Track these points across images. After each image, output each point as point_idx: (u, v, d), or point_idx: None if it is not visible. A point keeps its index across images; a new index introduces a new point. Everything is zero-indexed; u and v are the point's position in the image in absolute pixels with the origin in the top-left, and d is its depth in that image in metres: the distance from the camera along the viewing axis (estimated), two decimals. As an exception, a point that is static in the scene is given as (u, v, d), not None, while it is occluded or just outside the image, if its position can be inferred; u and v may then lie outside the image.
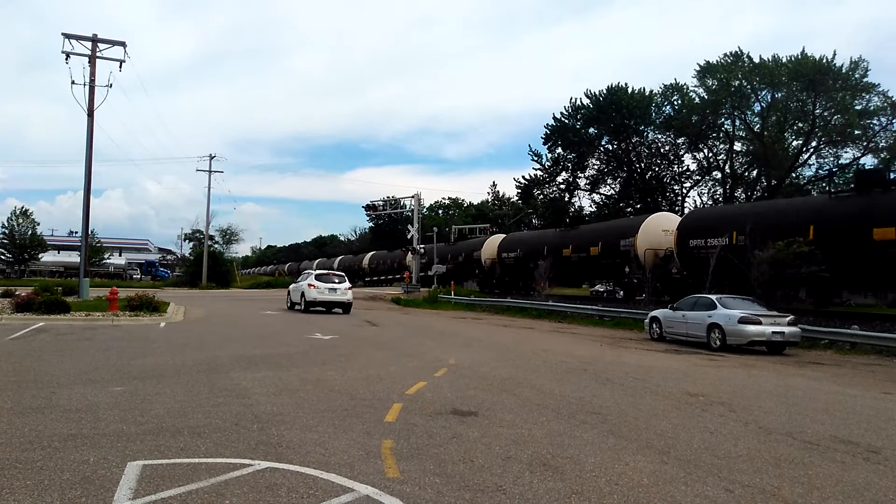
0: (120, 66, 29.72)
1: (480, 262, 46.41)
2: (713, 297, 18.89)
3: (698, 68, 44.36)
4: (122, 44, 29.79)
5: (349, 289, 28.13)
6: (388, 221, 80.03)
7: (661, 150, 49.09)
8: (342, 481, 5.20)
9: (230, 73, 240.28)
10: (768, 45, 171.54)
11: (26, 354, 12.38)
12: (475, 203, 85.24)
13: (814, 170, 44.31)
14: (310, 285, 27.47)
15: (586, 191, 52.83)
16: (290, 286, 32.19)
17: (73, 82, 28.98)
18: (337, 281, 28.11)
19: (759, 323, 16.89)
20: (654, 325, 20.18)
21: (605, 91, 47.62)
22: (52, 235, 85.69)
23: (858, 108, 39.54)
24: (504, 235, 47.51)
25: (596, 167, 51.61)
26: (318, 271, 31.56)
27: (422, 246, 52.18)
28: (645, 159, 49.58)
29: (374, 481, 5.22)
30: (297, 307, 28.64)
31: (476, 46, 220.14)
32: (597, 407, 8.76)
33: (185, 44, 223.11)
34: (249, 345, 15.17)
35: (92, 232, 61.40)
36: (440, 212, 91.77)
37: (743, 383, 11.65)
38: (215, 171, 62.40)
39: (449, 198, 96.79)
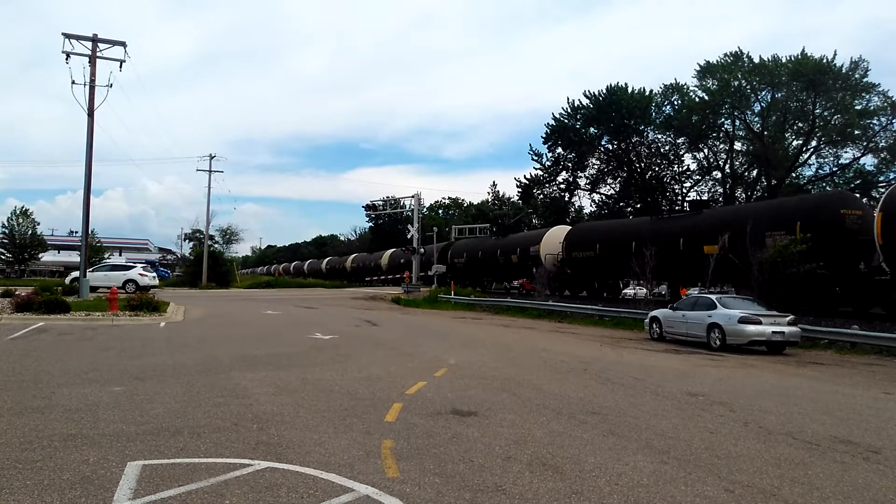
0: (120, 66, 29.75)
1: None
2: (713, 296, 18.89)
3: (698, 68, 44.41)
4: (123, 44, 29.78)
5: (157, 277, 43.10)
6: (388, 221, 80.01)
7: (661, 150, 49.06)
8: (342, 481, 5.20)
9: (230, 73, 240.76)
10: (768, 45, 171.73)
11: (26, 354, 12.38)
12: (475, 203, 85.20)
13: (814, 170, 44.35)
14: (140, 274, 38.38)
15: (586, 190, 52.84)
16: (96, 273, 40.00)
17: (73, 82, 28.99)
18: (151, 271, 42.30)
19: (759, 323, 16.88)
20: (654, 325, 20.17)
21: (604, 91, 47.60)
22: (52, 235, 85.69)
23: (858, 108, 39.49)
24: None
25: (596, 167, 51.61)
26: (143, 264, 44.56)
27: (424, 246, 52.18)
28: (645, 159, 49.53)
29: (374, 481, 5.22)
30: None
31: (476, 46, 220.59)
32: (597, 407, 8.76)
33: (185, 44, 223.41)
34: (249, 345, 15.16)
35: (92, 232, 61.38)
36: (440, 212, 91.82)
37: (743, 383, 11.64)
38: (215, 171, 62.40)
39: (449, 198, 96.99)
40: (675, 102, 46.88)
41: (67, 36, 28.94)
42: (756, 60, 42.13)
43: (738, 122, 44.50)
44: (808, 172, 44.59)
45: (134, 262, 45.32)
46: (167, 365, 11.42)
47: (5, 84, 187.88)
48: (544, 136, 50.94)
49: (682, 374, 12.50)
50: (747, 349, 17.37)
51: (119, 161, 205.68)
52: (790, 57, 41.11)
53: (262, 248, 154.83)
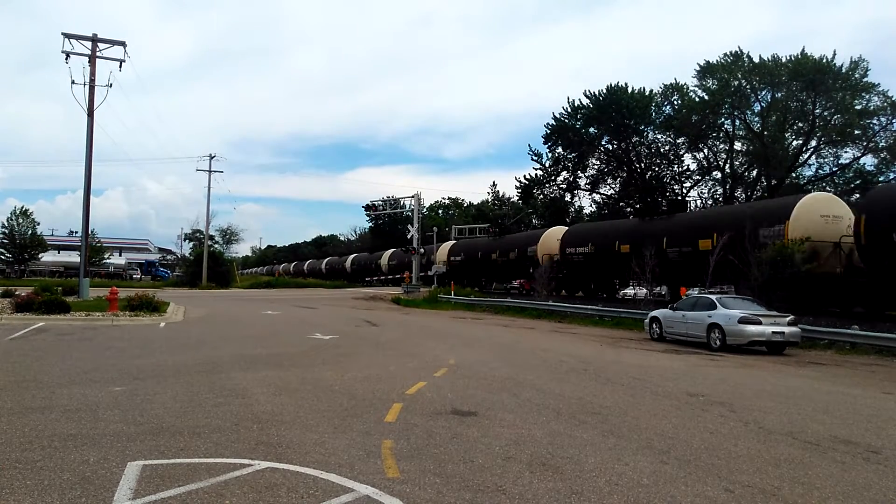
0: (120, 66, 29.89)
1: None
2: (713, 296, 18.88)
3: (698, 68, 44.36)
4: (122, 44, 29.86)
5: None
6: (388, 221, 80.00)
7: (661, 150, 48.99)
8: (342, 481, 5.20)
9: (230, 73, 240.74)
10: (768, 45, 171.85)
11: (26, 354, 12.38)
12: (475, 203, 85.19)
13: (814, 170, 44.29)
14: None
15: (586, 191, 52.78)
16: None
17: (73, 82, 29.14)
18: None
19: (759, 323, 16.87)
20: (654, 325, 20.17)
21: (604, 91, 47.54)
22: (52, 235, 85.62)
23: (858, 108, 39.44)
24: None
25: (596, 167, 51.52)
26: None
27: (423, 246, 52.14)
28: (645, 159, 49.47)
29: (374, 481, 5.21)
30: None
31: (476, 46, 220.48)
32: (597, 407, 8.76)
33: (184, 43, 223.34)
34: (249, 345, 15.16)
35: (92, 232, 61.49)
36: (440, 212, 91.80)
37: (743, 383, 11.64)
38: (215, 171, 62.60)
39: (449, 198, 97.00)
40: (675, 102, 46.82)
41: (67, 36, 29.01)
42: (756, 60, 42.09)
43: (738, 122, 44.45)
44: (808, 172, 44.57)
45: None
46: (167, 365, 11.42)
47: (5, 84, 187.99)
48: (544, 135, 50.87)
49: (682, 374, 12.50)
50: (747, 349, 17.37)
51: (119, 161, 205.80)
52: (790, 57, 41.07)
53: (262, 248, 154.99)
